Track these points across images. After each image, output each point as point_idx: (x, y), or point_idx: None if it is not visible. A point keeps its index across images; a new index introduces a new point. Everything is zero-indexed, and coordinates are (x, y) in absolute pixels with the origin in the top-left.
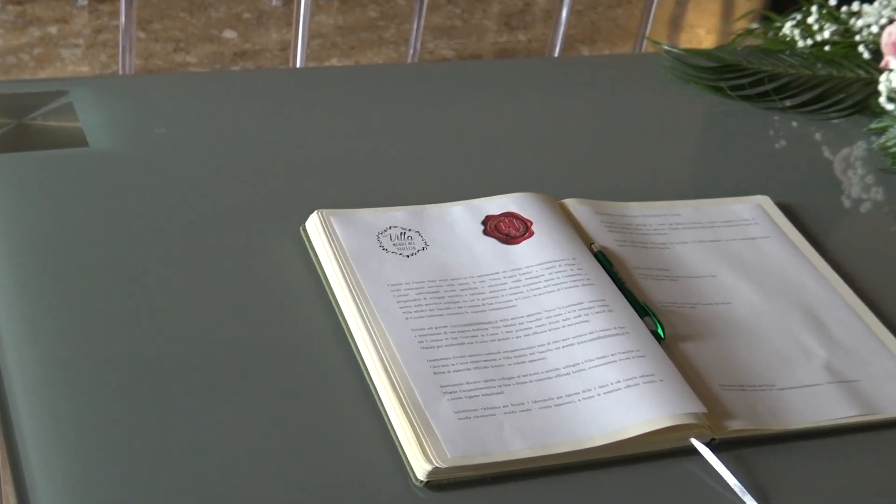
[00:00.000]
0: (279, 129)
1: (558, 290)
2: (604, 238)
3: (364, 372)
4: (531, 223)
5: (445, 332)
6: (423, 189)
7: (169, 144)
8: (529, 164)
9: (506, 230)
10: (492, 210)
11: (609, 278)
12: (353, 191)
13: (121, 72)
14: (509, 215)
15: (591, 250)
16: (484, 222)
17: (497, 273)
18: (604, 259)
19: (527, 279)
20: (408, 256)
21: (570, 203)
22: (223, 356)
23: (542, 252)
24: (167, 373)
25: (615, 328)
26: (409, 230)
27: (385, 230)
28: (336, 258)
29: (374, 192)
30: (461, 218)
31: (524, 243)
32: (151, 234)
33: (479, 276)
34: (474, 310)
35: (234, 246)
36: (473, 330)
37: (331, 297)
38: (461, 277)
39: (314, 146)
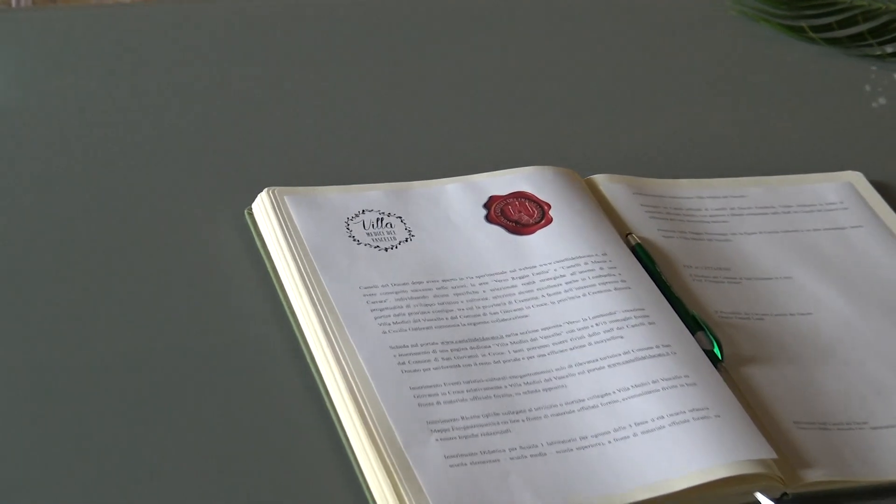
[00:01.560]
0: (218, 80)
1: (584, 295)
2: (644, 227)
3: (325, 400)
4: (548, 207)
5: (434, 351)
6: (406, 161)
7: (71, 98)
8: (547, 128)
9: (515, 216)
10: (497, 189)
11: (650, 280)
12: (315, 163)
13: (14, 3)
14: (520, 196)
15: (628, 242)
16: (487, 205)
17: (503, 273)
18: (644, 254)
19: (542, 281)
20: (386, 250)
21: (601, 180)
22: (139, 374)
23: (562, 245)
24: (63, 393)
25: (658, 347)
26: (389, 215)
27: (357, 215)
28: (291, 251)
29: (342, 165)
30: (457, 199)
31: (539, 233)
32: (46, 218)
33: (479, 277)
34: (473, 321)
35: (157, 234)
36: (471, 348)
37: (283, 303)
38: (456, 278)
39: (265, 103)
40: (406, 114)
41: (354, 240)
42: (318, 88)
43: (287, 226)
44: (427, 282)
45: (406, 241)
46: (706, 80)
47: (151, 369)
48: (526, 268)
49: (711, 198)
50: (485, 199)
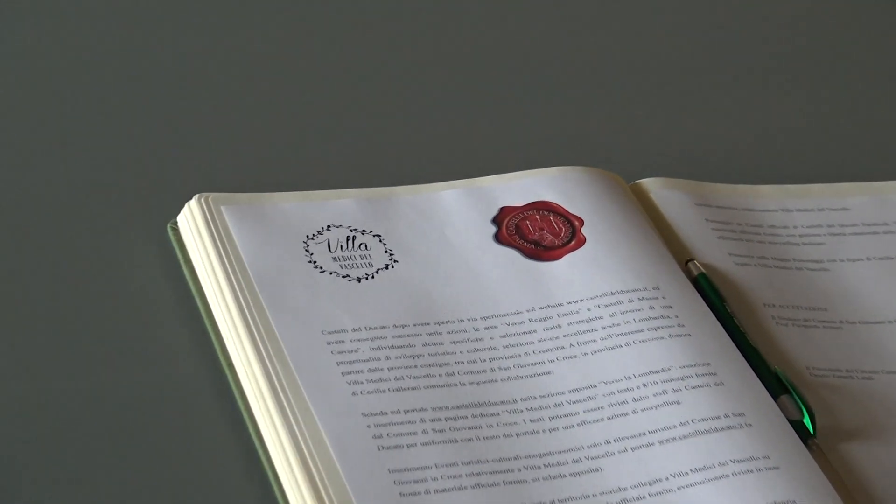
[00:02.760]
0: (137, 58)
1: (627, 344)
2: (711, 250)
3: (274, 488)
4: (580, 223)
5: (423, 420)
6: (388, 160)
7: None
8: (578, 117)
9: (535, 235)
10: (511, 198)
11: (718, 324)
12: (265, 162)
13: None
14: (542, 208)
15: (688, 272)
16: (497, 220)
17: (518, 313)
18: (710, 288)
19: (571, 324)
20: (359, 280)
21: (652, 186)
22: (27, 429)
23: (598, 275)
24: None
25: (727, 416)
26: (364, 233)
27: (319, 232)
28: (229, 280)
29: (301, 164)
30: (456, 212)
31: (567, 259)
32: None
33: (484, 319)
34: (476, 379)
35: (59, 252)
36: (474, 416)
37: (217, 352)
38: (453, 320)
39: (198, 85)
40: (388, 96)
41: (316, 266)
42: (270, 64)
43: (223, 246)
44: (414, 325)
45: (386, 268)
46: (789, 56)
47: (42, 425)
48: (549, 306)
49: (802, 211)
50: (494, 212)
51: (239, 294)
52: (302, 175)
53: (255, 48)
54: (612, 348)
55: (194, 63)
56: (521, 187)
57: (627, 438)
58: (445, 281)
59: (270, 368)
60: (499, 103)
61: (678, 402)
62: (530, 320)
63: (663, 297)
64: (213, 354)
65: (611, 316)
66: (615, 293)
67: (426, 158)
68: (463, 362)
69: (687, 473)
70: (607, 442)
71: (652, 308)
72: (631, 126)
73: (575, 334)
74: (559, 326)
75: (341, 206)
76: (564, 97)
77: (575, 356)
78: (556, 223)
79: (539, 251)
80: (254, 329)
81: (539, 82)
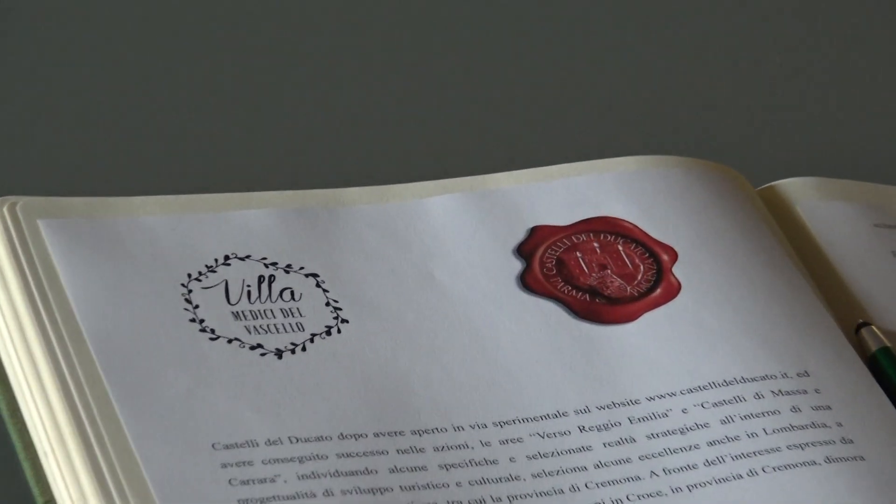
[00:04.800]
0: None
1: (753, 474)
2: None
3: None
4: (671, 256)
5: None
6: (335, 145)
7: None
8: (660, 80)
9: (592, 276)
10: (549, 210)
11: None
12: (120, 149)
13: None
14: (605, 230)
15: (860, 344)
16: (525, 249)
17: (560, 416)
18: (893, 369)
19: (654, 437)
20: (279, 355)
21: (797, 191)
22: None
23: (703, 350)
24: None
25: None
26: (289, 269)
27: (210, 268)
28: (47, 346)
29: (184, 152)
30: (454, 233)
31: (649, 319)
32: None
33: (499, 426)
34: None
35: None
36: None
37: (26, 471)
38: (444, 427)
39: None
40: (338, 48)
41: (203, 328)
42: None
43: (38, 286)
44: (376, 435)
45: (328, 333)
46: None
47: None
48: (614, 405)
49: None
50: (520, 236)
51: (65, 373)
52: (186, 169)
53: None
54: (726, 481)
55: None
56: (566, 192)
57: None
58: (431, 358)
59: None
60: (522, 59)
61: None
62: (581, 429)
63: (816, 391)
64: (13, 469)
65: (723, 424)
66: (732, 383)
67: (401, 141)
68: (461, 502)
69: None
70: None
71: (797, 410)
72: (752, 101)
73: (660, 456)
74: (632, 441)
75: (251, 221)
76: (639, 60)
77: (660, 494)
78: (629, 257)
79: (599, 306)
80: (91, 437)
81: (588, 27)
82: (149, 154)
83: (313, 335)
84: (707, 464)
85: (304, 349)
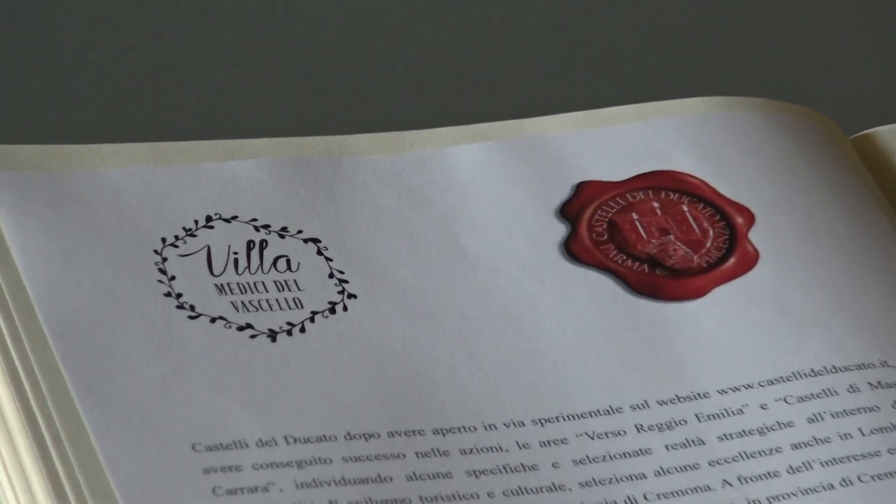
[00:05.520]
0: None
1: (847, 483)
2: None
3: None
4: (747, 219)
5: None
6: (340, 86)
7: None
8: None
9: (651, 242)
10: (599, 163)
11: None
12: (84, 90)
13: None
14: (667, 187)
15: None
16: (569, 209)
17: (613, 412)
18: None
19: (726, 438)
20: (273, 337)
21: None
22: None
23: (787, 332)
24: None
25: None
26: (284, 233)
27: (189, 231)
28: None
29: (163, 92)
30: (483, 188)
31: (720, 294)
32: None
33: (539, 423)
34: None
35: None
36: None
37: None
38: (472, 425)
39: None
40: None
41: (181, 304)
42: None
43: None
44: (391, 434)
45: (332, 311)
46: None
47: None
48: (678, 399)
49: None
50: (564, 193)
51: (13, 357)
52: (160, 111)
53: None
54: (814, 492)
55: None
56: (620, 140)
57: None
58: (457, 342)
59: None
60: None
61: None
62: (639, 428)
63: None
64: None
65: (811, 423)
66: (821, 373)
67: (420, 78)
68: None
69: None
70: None
71: None
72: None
73: (734, 461)
74: (701, 443)
75: (238, 174)
76: None
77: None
78: (696, 219)
79: (659, 279)
80: (46, 436)
81: None
82: (115, 93)
83: (314, 313)
84: (791, 471)
85: (302, 330)
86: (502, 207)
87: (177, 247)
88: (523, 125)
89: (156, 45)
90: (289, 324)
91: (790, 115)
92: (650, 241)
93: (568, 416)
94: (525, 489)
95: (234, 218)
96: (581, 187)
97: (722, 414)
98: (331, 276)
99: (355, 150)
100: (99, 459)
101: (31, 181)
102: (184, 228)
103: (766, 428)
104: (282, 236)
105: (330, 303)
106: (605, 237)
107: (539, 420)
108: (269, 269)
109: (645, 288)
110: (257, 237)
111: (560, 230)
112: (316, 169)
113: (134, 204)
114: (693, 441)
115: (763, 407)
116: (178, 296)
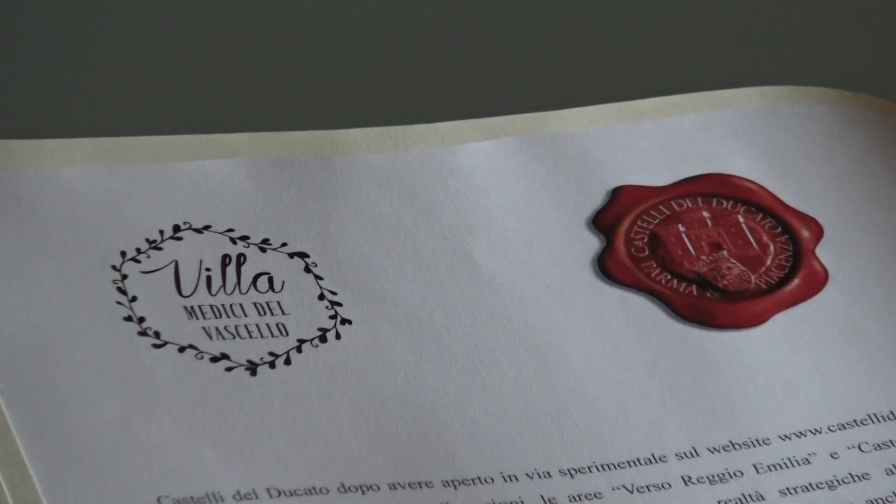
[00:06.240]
0: None
1: None
2: None
3: None
4: (816, 232)
5: None
6: (333, 76)
7: None
8: None
9: (701, 259)
10: (638, 164)
11: None
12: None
13: None
14: (719, 193)
15: None
16: (603, 220)
17: (657, 461)
18: None
19: (791, 493)
20: (252, 371)
21: None
22: None
23: (862, 367)
24: None
25: None
26: (266, 245)
27: (153, 243)
28: None
29: (134, 84)
30: (501, 193)
31: (782, 321)
32: None
33: (568, 474)
34: None
35: None
36: None
37: None
38: (490, 476)
39: None
40: None
41: (142, 328)
42: None
43: None
44: (392, 487)
45: (322, 339)
46: None
47: None
48: (733, 446)
49: None
50: (598, 199)
51: None
52: (122, 101)
53: None
54: None
55: None
56: (663, 138)
57: None
58: (471, 376)
59: None
60: None
61: None
62: (686, 480)
63: None
64: None
65: (889, 475)
66: None
67: (425, 66)
68: None
69: None
70: None
71: None
72: None
73: None
74: (760, 498)
75: (211, 175)
76: None
77: None
78: (754, 232)
79: (710, 303)
80: None
81: None
82: (69, 79)
83: (301, 342)
84: None
85: (287, 362)
86: (523, 217)
87: (139, 262)
88: (547, 119)
89: (114, 21)
90: (271, 354)
91: (865, 108)
92: (699, 258)
93: (602, 466)
94: None
95: (207, 228)
96: (617, 193)
97: (784, 464)
98: (321, 297)
99: (349, 148)
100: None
101: None
102: (147, 240)
103: (837, 481)
104: (263, 250)
105: (320, 329)
106: (646, 252)
107: (567, 470)
108: (249, 288)
109: (693, 313)
110: (234, 250)
111: (593, 244)
112: (303, 170)
113: (89, 210)
114: (751, 496)
115: (833, 456)
116: (141, 320)
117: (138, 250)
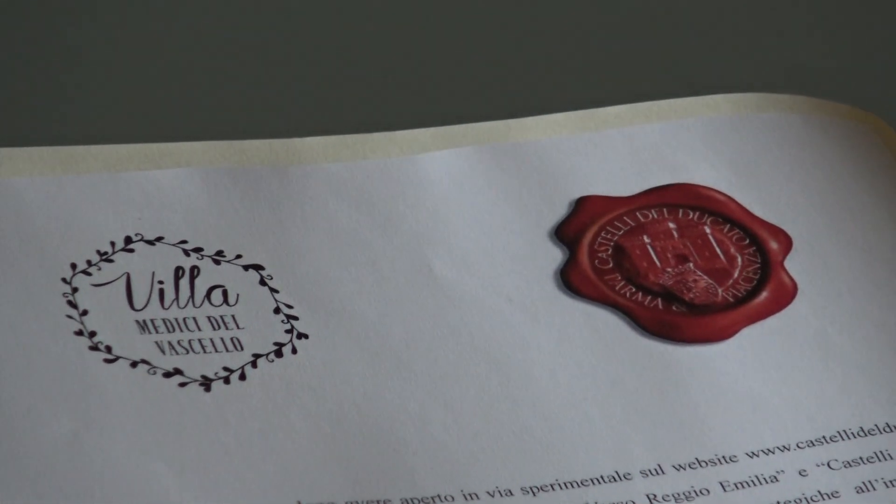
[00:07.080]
0: None
1: None
2: None
3: None
4: (784, 244)
5: None
6: (293, 80)
7: None
8: None
9: (667, 272)
10: (602, 173)
11: None
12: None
13: None
14: (686, 203)
15: None
16: (565, 231)
17: (621, 478)
18: None
19: None
20: (206, 386)
21: None
22: None
23: (830, 384)
24: None
25: None
26: (220, 257)
27: (104, 255)
28: None
29: (83, 89)
30: (462, 205)
31: (748, 336)
32: None
33: (531, 493)
34: None
35: None
36: None
37: None
38: (451, 494)
39: None
40: None
41: (93, 342)
42: None
43: None
44: None
45: (278, 352)
46: None
47: None
48: (699, 463)
49: None
50: (562, 210)
51: None
52: (71, 109)
53: None
54: None
55: None
56: (628, 146)
57: None
58: (431, 392)
59: None
60: None
61: None
62: (651, 499)
63: None
64: None
65: (860, 493)
66: (872, 433)
67: (385, 72)
68: None
69: None
70: None
71: None
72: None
73: None
74: None
75: (164, 185)
76: None
77: None
78: (721, 244)
79: (677, 317)
80: None
81: None
82: (18, 88)
83: (256, 356)
84: None
85: (242, 377)
86: (484, 228)
87: (90, 274)
88: (509, 127)
89: (65, 29)
90: (226, 369)
91: (836, 116)
92: (665, 271)
93: (565, 484)
94: None
95: (160, 239)
96: (581, 204)
97: (752, 482)
98: (277, 311)
99: (306, 157)
100: None
101: None
102: (98, 252)
103: (806, 499)
104: (217, 262)
105: (276, 343)
106: (611, 265)
107: (530, 488)
108: (202, 302)
109: (658, 327)
110: (187, 263)
111: (556, 256)
112: (258, 179)
113: (38, 221)
114: None
115: (802, 473)
116: (92, 334)
117: (89, 262)
